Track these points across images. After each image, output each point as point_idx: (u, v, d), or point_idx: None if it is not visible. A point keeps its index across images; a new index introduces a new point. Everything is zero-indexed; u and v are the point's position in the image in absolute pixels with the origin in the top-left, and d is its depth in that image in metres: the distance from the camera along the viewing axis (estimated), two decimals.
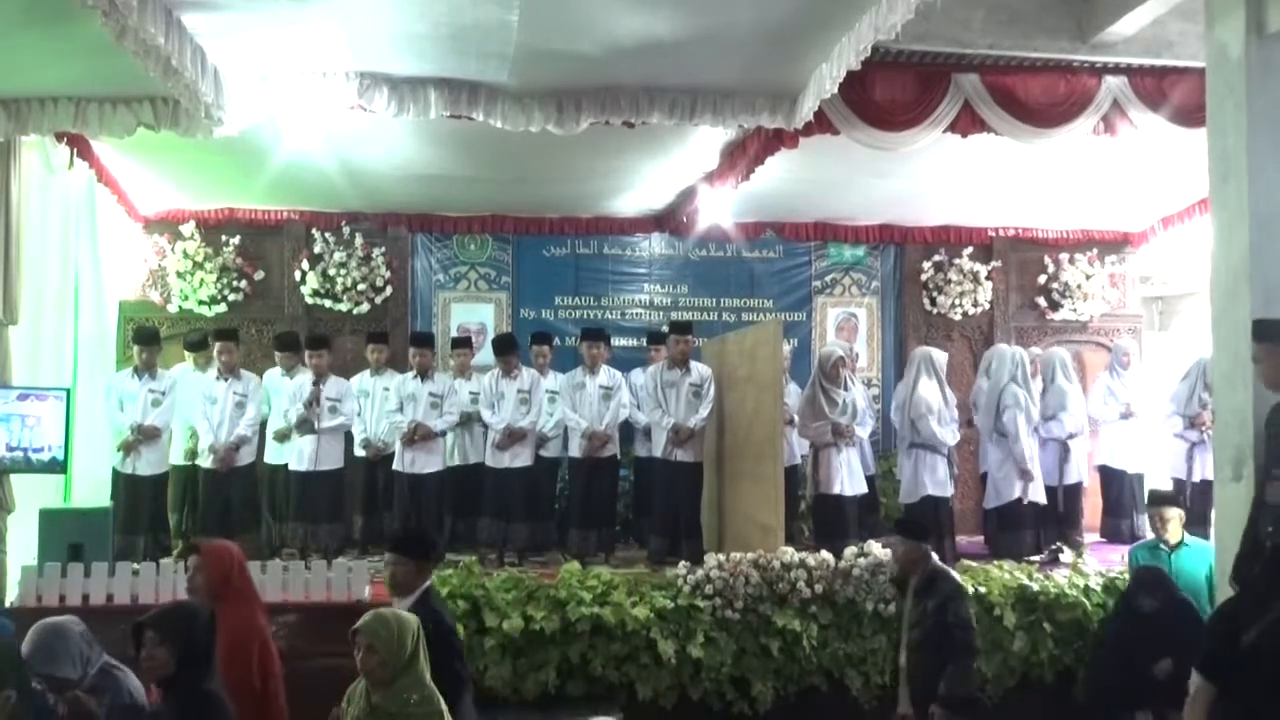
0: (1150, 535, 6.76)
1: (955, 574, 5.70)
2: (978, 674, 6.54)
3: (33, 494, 6.93)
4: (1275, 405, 4.77)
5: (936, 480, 7.66)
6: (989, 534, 8.27)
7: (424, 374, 7.95)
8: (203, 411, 7.82)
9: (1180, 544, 6.37)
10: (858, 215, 9.85)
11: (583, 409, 7.98)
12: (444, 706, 3.59)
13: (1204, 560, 6.09)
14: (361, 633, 3.62)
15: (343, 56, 5.79)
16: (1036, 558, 7.72)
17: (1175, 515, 6.21)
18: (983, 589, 6.66)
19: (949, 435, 7.77)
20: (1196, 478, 7.93)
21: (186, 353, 8.36)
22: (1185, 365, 8.50)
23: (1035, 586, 6.78)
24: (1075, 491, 8.39)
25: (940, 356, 8.07)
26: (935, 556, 5.68)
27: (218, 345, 7.93)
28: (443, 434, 7.93)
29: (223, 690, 3.42)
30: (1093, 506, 8.80)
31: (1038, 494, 7.85)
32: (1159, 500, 6.38)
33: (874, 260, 10.32)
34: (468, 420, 8.17)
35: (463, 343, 8.67)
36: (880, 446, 9.34)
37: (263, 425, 8.14)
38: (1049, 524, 8.09)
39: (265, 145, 7.15)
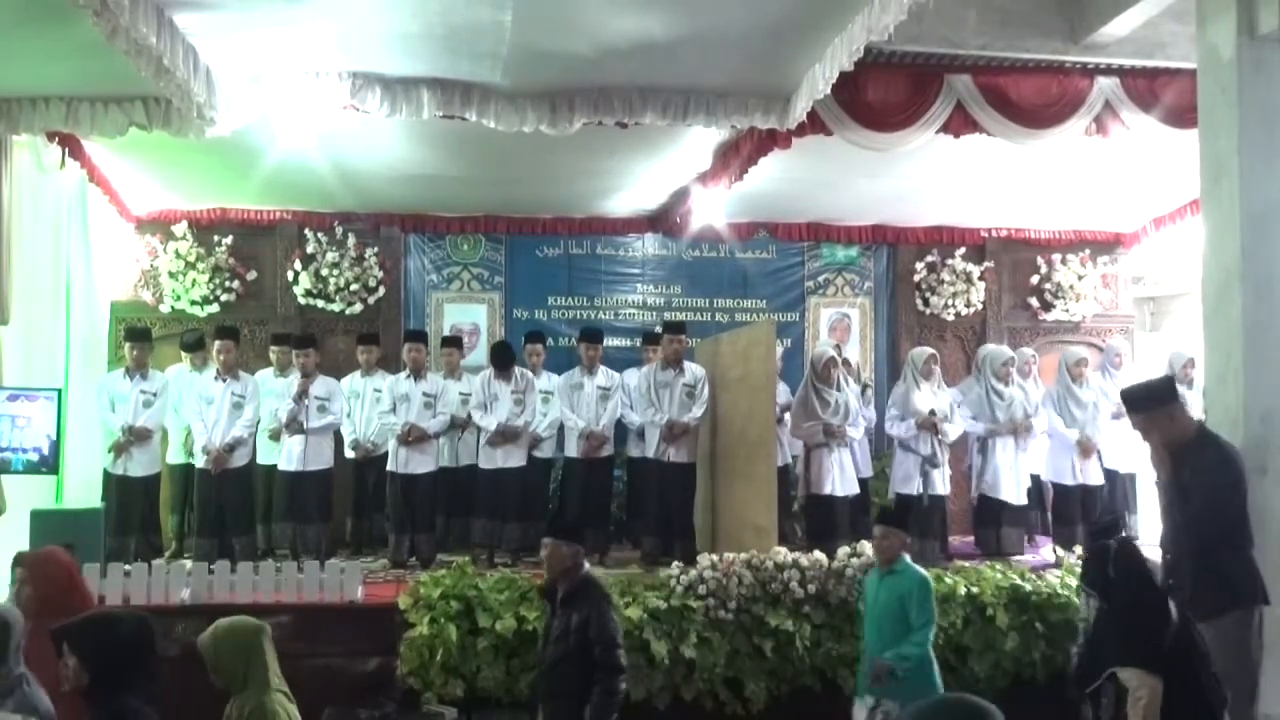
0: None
1: (605, 584, 5.14)
2: (971, 675, 6.56)
3: (24, 495, 6.92)
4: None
5: (929, 479, 7.72)
6: (976, 533, 8.31)
7: (418, 372, 7.92)
8: (198, 412, 7.74)
9: (892, 568, 5.53)
10: (851, 216, 9.87)
11: (581, 409, 7.99)
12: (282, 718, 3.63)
13: (907, 583, 5.44)
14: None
15: (335, 57, 5.79)
16: (1023, 556, 7.77)
17: (894, 535, 5.50)
18: (975, 589, 6.67)
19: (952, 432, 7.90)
20: None
21: (183, 353, 8.32)
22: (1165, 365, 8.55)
23: (1028, 587, 6.79)
24: (1091, 492, 8.17)
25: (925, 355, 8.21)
26: (587, 565, 5.03)
27: (217, 344, 7.85)
28: (436, 436, 7.91)
29: (148, 705, 3.22)
30: None
31: (1009, 494, 7.94)
32: (881, 519, 5.73)
33: (867, 261, 10.33)
34: (454, 426, 8.12)
35: (452, 342, 8.63)
36: (875, 447, 9.34)
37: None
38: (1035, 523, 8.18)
39: (258, 145, 7.14)
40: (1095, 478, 8.18)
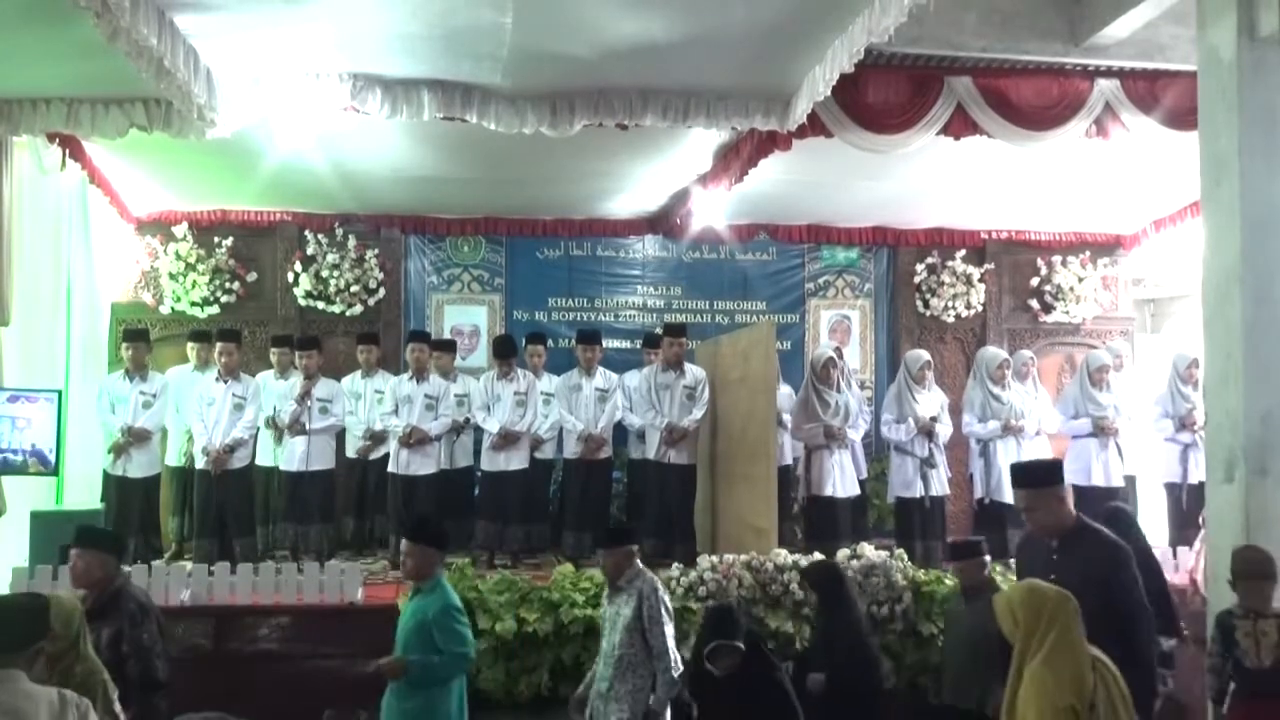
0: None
1: (143, 596, 4.56)
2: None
3: (24, 495, 6.92)
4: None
5: (928, 481, 7.75)
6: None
7: (420, 373, 7.90)
8: (199, 413, 7.73)
9: (419, 587, 4.79)
10: (851, 217, 9.86)
11: (579, 411, 7.99)
12: (106, 676, 3.75)
13: (432, 606, 4.65)
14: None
15: (336, 58, 5.79)
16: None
17: (416, 551, 4.69)
18: None
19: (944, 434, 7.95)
20: (1193, 479, 7.75)
21: (190, 344, 8.27)
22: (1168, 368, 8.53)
23: None
24: (1113, 494, 7.88)
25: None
26: (123, 578, 4.51)
27: (219, 346, 7.85)
28: (438, 438, 7.90)
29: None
30: None
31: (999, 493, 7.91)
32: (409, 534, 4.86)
33: (867, 262, 10.34)
34: (450, 428, 8.08)
35: (445, 345, 8.58)
36: (873, 449, 9.34)
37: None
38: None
39: (258, 147, 7.14)
40: (1117, 479, 8.08)
